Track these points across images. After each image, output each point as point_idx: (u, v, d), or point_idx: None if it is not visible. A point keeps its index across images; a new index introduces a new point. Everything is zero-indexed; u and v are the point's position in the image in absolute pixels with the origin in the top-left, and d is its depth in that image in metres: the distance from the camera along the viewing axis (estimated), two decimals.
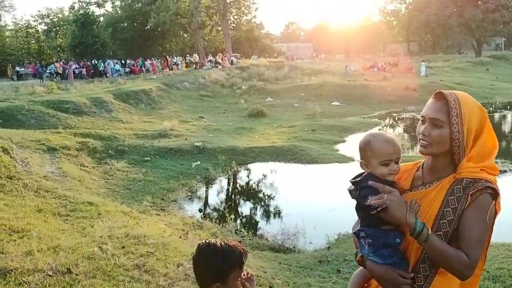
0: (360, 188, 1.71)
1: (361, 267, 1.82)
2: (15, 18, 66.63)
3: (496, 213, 1.64)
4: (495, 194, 1.60)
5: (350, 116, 18.51)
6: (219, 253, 1.62)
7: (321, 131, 14.90)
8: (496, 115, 19.48)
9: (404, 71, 32.52)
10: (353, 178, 1.77)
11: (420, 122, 1.71)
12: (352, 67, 33.71)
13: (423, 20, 54.59)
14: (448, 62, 40.36)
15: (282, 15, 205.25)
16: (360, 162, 1.77)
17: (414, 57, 46.22)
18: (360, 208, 1.73)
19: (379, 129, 15.24)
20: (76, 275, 3.67)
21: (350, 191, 1.76)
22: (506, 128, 17.57)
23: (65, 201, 6.42)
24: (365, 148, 1.72)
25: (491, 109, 20.64)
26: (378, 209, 1.60)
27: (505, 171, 10.00)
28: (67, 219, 5.68)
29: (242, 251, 1.64)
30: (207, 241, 1.70)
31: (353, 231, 1.80)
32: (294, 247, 6.51)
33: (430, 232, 1.56)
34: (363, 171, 1.77)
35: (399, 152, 1.70)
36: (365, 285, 1.83)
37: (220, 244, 1.65)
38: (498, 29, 49.93)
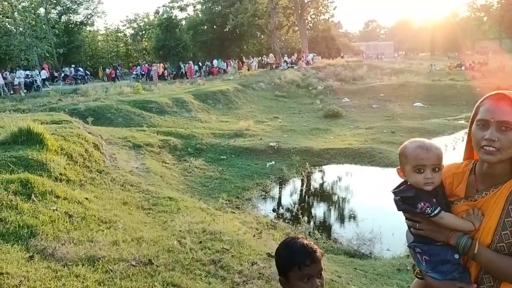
0: (401, 200, 1.62)
1: (416, 280, 1.75)
2: (106, 23, 71.88)
3: None
4: None
5: (434, 118, 17.53)
6: (287, 248, 1.63)
7: (401, 133, 14.27)
8: None
9: (495, 70, 30.09)
10: (395, 188, 1.68)
11: (476, 127, 1.54)
12: (437, 66, 31.95)
13: None
14: None
15: (362, 13, 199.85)
16: (397, 169, 1.68)
17: (506, 55, 42.58)
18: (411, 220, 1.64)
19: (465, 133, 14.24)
20: (157, 266, 3.85)
21: (395, 202, 1.67)
22: None
23: (148, 195, 6.78)
24: (401, 154, 1.65)
25: None
26: (432, 215, 1.54)
27: None
28: (149, 213, 5.98)
29: (308, 252, 1.58)
30: (292, 236, 1.72)
31: (408, 244, 1.70)
32: (370, 253, 6.30)
33: (477, 247, 1.49)
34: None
35: (436, 159, 1.57)
36: None
37: (295, 240, 1.64)
38: None
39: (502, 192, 1.52)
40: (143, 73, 31.88)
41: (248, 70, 32.05)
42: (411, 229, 1.63)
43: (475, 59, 35.52)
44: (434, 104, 20.41)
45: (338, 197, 9.69)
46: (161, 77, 30.66)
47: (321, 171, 11.39)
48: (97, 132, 9.49)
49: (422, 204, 1.55)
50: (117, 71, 33.23)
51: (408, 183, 1.64)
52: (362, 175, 10.77)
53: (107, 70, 33.38)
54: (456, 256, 1.55)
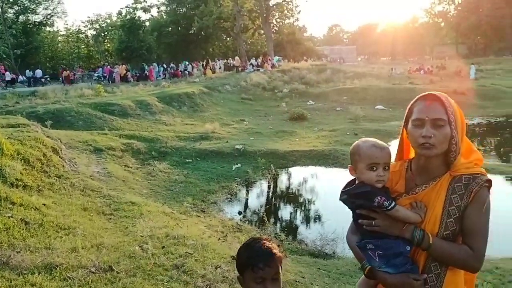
0: (355, 197, 1.67)
1: (362, 278, 1.79)
2: (67, 24, 69.92)
3: None
4: (490, 185, 1.64)
5: (394, 121, 18.00)
6: (246, 249, 1.65)
7: (364, 135, 14.57)
8: None
9: (452, 75, 31.33)
10: (345, 188, 1.75)
11: (413, 126, 1.67)
12: (397, 70, 32.88)
13: (473, 21, 52.54)
14: (500, 64, 38.51)
15: (326, 18, 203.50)
16: (349, 167, 1.75)
17: (463, 60, 44.42)
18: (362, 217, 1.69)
19: None
20: (117, 272, 3.76)
21: (346, 201, 1.73)
22: None
23: (109, 200, 6.62)
24: (354, 153, 1.72)
25: None
26: (389, 208, 1.61)
27: None
28: (110, 218, 5.84)
29: (264, 256, 1.58)
30: (256, 237, 1.72)
31: (356, 243, 1.74)
32: (334, 253, 6.38)
33: (431, 238, 1.59)
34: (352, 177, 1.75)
35: (388, 157, 1.68)
36: None
37: (256, 242, 1.65)
38: None
39: (442, 183, 1.65)
40: (105, 75, 31.15)
41: (213, 72, 31.91)
42: (364, 226, 1.67)
43: (434, 64, 36.82)
44: (395, 106, 20.98)
45: (303, 198, 9.78)
46: (124, 79, 30.06)
47: (286, 173, 11.48)
48: (56, 135, 9.18)
49: (379, 198, 1.61)
50: (77, 73, 32.31)
51: (359, 181, 1.69)
52: (327, 176, 10.92)
53: (64, 72, 32.30)
54: (408, 248, 1.62)
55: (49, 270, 3.64)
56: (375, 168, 1.65)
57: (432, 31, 67.50)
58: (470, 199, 1.60)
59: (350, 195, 1.70)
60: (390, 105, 21.31)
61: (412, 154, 1.81)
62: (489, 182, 1.63)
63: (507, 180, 9.68)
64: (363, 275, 1.78)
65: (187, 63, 35.30)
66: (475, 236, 1.59)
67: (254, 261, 1.59)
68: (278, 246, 1.69)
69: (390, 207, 1.60)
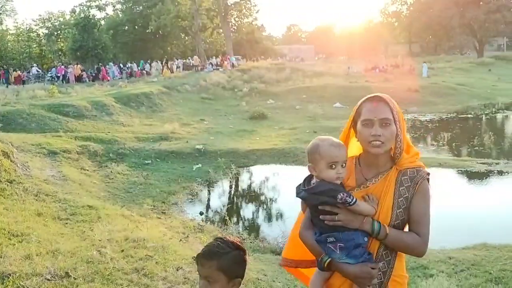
0: (316, 195, 1.73)
1: (314, 275, 1.86)
2: (17, 23, 66.68)
3: None
4: (429, 178, 1.81)
5: None
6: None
7: (323, 133, 14.76)
8: (499, 116, 19.43)
9: (406, 73, 32.46)
10: (303, 185, 1.82)
11: (362, 126, 1.79)
12: (354, 69, 33.67)
13: (425, 21, 54.57)
14: (450, 63, 40.30)
15: (284, 18, 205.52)
16: (308, 166, 1.81)
17: (415, 58, 46.13)
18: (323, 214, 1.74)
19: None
20: (75, 279, 3.65)
21: (306, 198, 1.79)
22: (508, 128, 17.50)
23: (65, 204, 6.40)
24: (313, 152, 1.78)
25: (493, 110, 20.57)
26: (351, 203, 1.68)
27: (508, 172, 9.94)
28: (66, 223, 5.65)
29: (202, 254, 1.61)
30: (222, 236, 1.72)
31: (316, 238, 1.80)
32: None
33: (387, 228, 1.71)
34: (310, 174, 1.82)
35: (345, 156, 1.78)
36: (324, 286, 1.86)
37: (216, 240, 1.66)
38: (500, 29, 49.87)
39: (390, 177, 1.79)
40: (59, 75, 30.06)
41: (172, 72, 31.48)
42: (326, 221, 1.72)
43: (388, 62, 37.99)
44: (352, 104, 21.01)
45: (265, 196, 9.85)
46: (79, 80, 29.14)
47: (247, 172, 11.52)
48: (7, 139, 8.78)
49: (342, 194, 1.68)
50: (32, 72, 30.98)
51: (319, 179, 1.75)
52: (287, 174, 11.05)
53: (14, 72, 30.82)
54: (366, 239, 1.72)
55: (1, 279, 3.48)
56: (334, 167, 1.73)
57: (387, 31, 69.62)
58: (415, 191, 1.76)
59: (313, 193, 1.75)
60: (347, 103, 21.76)
61: (353, 151, 1.92)
62: (429, 174, 1.80)
63: (458, 173, 10.14)
64: (316, 272, 1.84)
65: (143, 63, 34.65)
66: (421, 224, 1.74)
67: (197, 256, 1.63)
68: (240, 249, 1.65)
69: (352, 202, 1.68)
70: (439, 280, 4.06)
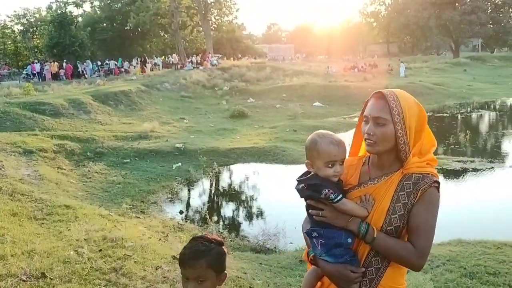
0: (306, 188, 1.71)
1: (313, 266, 1.83)
2: None
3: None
4: (439, 186, 1.67)
5: (331, 117, 18.64)
6: (185, 245, 1.65)
7: (303, 131, 14.95)
8: (474, 115, 19.91)
9: (384, 72, 32.93)
10: (300, 177, 1.78)
11: (363, 122, 1.73)
12: (333, 68, 33.96)
13: (402, 21, 55.48)
14: (427, 63, 41.09)
15: (264, 17, 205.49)
16: (306, 162, 1.77)
17: (393, 58, 46.83)
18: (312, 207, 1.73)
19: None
20: (51, 279, 3.58)
21: (299, 190, 1.76)
22: (483, 127, 17.94)
23: (41, 204, 6.27)
24: (311, 149, 1.72)
25: (468, 109, 21.07)
26: (335, 200, 1.64)
27: (482, 169, 10.21)
28: (43, 223, 5.54)
29: (189, 256, 1.57)
30: (201, 235, 1.70)
31: (304, 230, 1.80)
32: (275, 248, 6.49)
33: (375, 232, 1.62)
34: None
35: (344, 154, 1.72)
36: (318, 283, 1.83)
37: (196, 241, 1.63)
38: (475, 30, 51.00)
39: (393, 179, 1.67)
40: (35, 72, 29.40)
41: (151, 70, 31.12)
42: (313, 216, 1.70)
43: (367, 62, 38.46)
44: (331, 103, 21.71)
45: (246, 195, 9.85)
46: (56, 77, 28.55)
47: (228, 170, 11.49)
48: None
49: (326, 190, 1.63)
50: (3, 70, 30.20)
51: (311, 173, 1.73)
52: (268, 172, 11.08)
53: None
54: (349, 240, 1.66)
55: None
56: (332, 165, 1.68)
57: (365, 31, 70.50)
58: (417, 198, 1.63)
59: (302, 185, 1.73)
60: (326, 102, 22.00)
61: (362, 150, 1.86)
62: (438, 183, 1.65)
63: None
64: (312, 267, 1.83)
65: (122, 60, 34.18)
66: (419, 234, 1.60)
67: (182, 259, 1.59)
68: (221, 243, 1.67)
69: (336, 200, 1.64)
70: (415, 275, 4.13)
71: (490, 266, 4.83)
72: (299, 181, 1.75)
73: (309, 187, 1.69)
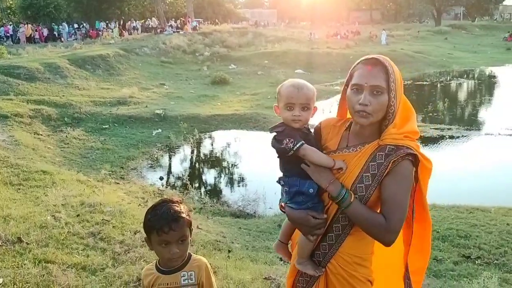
0: (276, 135, 1.71)
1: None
2: None
3: (419, 179, 1.64)
4: (416, 161, 1.59)
5: (313, 84, 18.20)
6: (152, 212, 1.63)
7: None
8: (453, 84, 20.14)
9: (366, 40, 32.76)
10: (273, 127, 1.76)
11: (351, 91, 1.61)
12: (316, 35, 33.59)
13: None
14: (409, 30, 40.91)
15: None
16: (274, 106, 1.79)
17: (376, 26, 46.53)
18: (280, 156, 1.74)
19: None
20: (27, 243, 3.56)
21: (271, 141, 1.76)
22: (461, 96, 18.20)
23: (17, 170, 6.16)
24: (277, 92, 1.75)
25: (448, 77, 21.27)
26: (294, 149, 1.61)
27: (458, 136, 10.42)
28: (19, 188, 5.46)
29: (169, 220, 1.56)
30: (165, 199, 1.70)
31: (277, 180, 1.81)
32: (255, 213, 6.59)
33: (352, 197, 1.57)
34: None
35: (305, 99, 1.67)
36: (293, 233, 1.87)
37: (163, 205, 1.63)
38: None
39: (367, 149, 1.62)
40: (8, 35, 28.28)
41: (130, 34, 30.25)
42: (291, 150, 1.64)
43: (349, 29, 38.13)
44: (313, 70, 21.61)
45: (226, 162, 9.88)
46: (31, 40, 27.55)
47: (209, 137, 11.45)
48: None
49: (287, 140, 1.63)
50: None
51: (282, 122, 1.73)
52: (248, 139, 11.09)
53: None
54: (311, 190, 1.65)
55: None
56: (291, 108, 1.68)
57: None
58: (387, 170, 1.56)
59: (272, 134, 1.74)
60: (309, 69, 21.88)
61: (349, 115, 1.77)
62: (413, 156, 1.57)
63: None
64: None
65: (99, 23, 33.09)
66: (389, 208, 1.55)
67: (158, 224, 1.58)
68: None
69: (296, 147, 1.61)
70: None
71: (462, 230, 5.01)
72: (270, 129, 1.75)
73: (274, 137, 1.70)
